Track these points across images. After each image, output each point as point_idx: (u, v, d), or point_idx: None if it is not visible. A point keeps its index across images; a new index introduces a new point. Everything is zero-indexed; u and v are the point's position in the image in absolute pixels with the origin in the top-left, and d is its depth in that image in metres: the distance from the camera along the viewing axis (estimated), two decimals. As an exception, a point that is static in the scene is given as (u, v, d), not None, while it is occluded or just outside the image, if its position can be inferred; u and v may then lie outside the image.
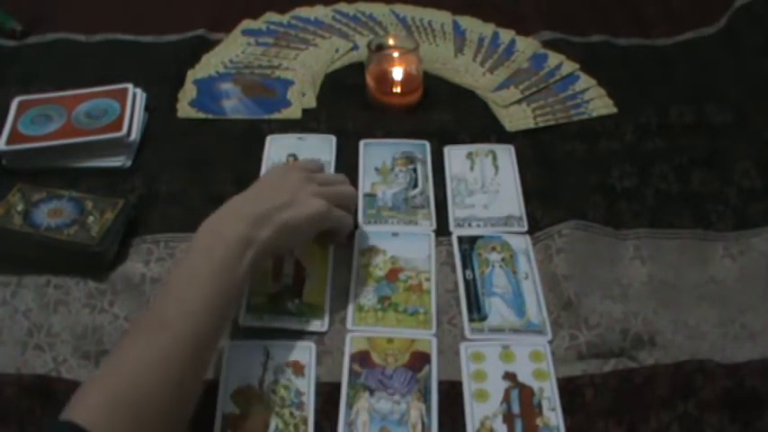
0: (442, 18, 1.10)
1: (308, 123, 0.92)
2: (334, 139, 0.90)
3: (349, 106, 0.95)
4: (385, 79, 0.95)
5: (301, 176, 0.71)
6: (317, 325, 0.70)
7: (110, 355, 0.59)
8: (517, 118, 0.93)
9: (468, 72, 1.01)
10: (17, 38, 1.07)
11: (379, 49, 0.96)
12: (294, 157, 0.87)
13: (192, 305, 0.59)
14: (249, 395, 0.65)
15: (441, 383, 0.66)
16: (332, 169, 0.86)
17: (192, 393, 0.59)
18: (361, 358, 0.68)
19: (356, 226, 0.79)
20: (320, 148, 0.89)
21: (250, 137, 0.90)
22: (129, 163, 0.87)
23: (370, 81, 0.95)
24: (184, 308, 0.59)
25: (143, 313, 0.64)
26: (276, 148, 0.89)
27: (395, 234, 0.79)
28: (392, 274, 0.75)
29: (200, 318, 0.59)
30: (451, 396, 0.66)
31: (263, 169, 0.86)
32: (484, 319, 0.71)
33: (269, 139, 0.90)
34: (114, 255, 0.75)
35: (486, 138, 0.90)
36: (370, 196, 0.83)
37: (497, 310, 0.72)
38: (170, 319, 0.58)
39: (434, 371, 0.67)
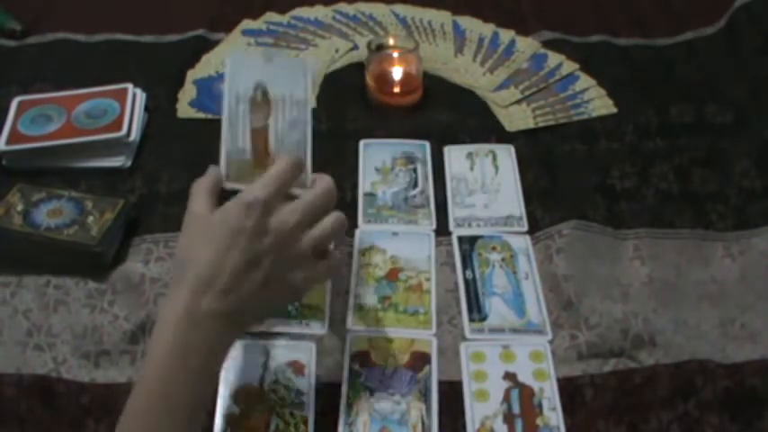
0: (441, 18, 1.10)
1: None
2: (308, 63, 0.68)
3: (349, 106, 0.95)
4: (385, 79, 0.95)
5: (281, 232, 0.57)
6: (317, 327, 0.70)
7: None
8: (517, 118, 0.93)
9: (468, 72, 1.01)
10: (17, 38, 1.07)
11: (379, 49, 0.96)
12: (263, 90, 0.65)
13: (173, 413, 0.54)
14: (249, 395, 0.65)
15: (441, 383, 0.66)
16: (308, 111, 0.65)
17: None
18: (361, 358, 0.68)
19: (356, 225, 0.79)
20: (293, 77, 0.65)
21: (250, 137, 0.90)
22: (129, 163, 0.87)
23: (370, 81, 0.95)
24: (166, 410, 0.54)
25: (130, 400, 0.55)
26: (240, 74, 0.65)
27: (395, 234, 0.79)
28: (392, 274, 0.75)
29: (185, 416, 0.54)
30: (451, 396, 0.66)
31: (226, 100, 0.65)
32: (484, 319, 0.71)
33: (230, 59, 0.66)
34: (114, 255, 0.75)
35: (486, 138, 0.90)
36: (370, 196, 0.83)
37: (497, 310, 0.72)
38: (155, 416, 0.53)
39: (434, 371, 0.67)
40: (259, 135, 0.65)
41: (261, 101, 0.65)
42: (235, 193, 0.60)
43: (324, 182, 0.61)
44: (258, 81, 0.64)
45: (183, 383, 0.54)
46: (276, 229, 0.57)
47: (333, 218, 0.60)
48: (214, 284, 0.55)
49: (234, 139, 0.65)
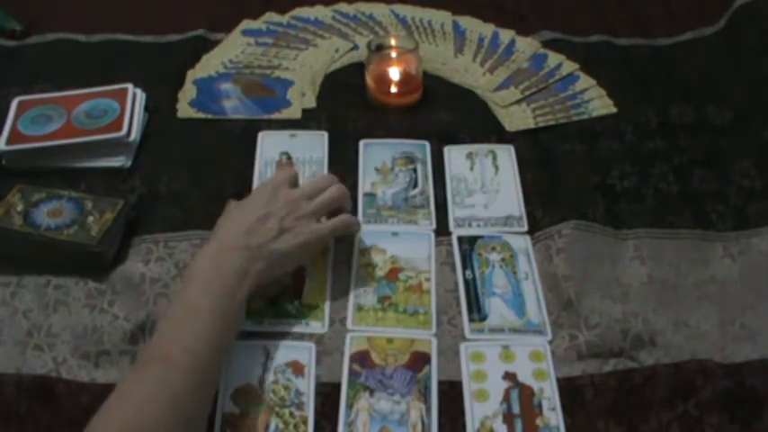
0: (441, 18, 1.10)
1: (307, 123, 0.92)
2: (326, 135, 0.90)
3: (349, 106, 0.95)
4: (385, 79, 0.95)
5: (288, 200, 0.71)
6: (317, 327, 0.70)
7: (117, 389, 0.59)
8: (517, 118, 0.93)
9: (468, 72, 1.01)
10: (17, 38, 1.07)
11: (379, 49, 0.96)
12: (287, 155, 0.88)
13: (193, 341, 0.61)
14: (249, 395, 0.65)
15: (441, 383, 0.66)
16: (325, 167, 0.86)
17: (197, 427, 0.60)
18: (361, 358, 0.68)
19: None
20: (313, 144, 0.89)
21: (250, 137, 0.90)
22: (129, 163, 0.87)
23: (369, 81, 0.95)
24: (185, 344, 0.61)
25: (147, 347, 0.66)
26: (269, 146, 0.89)
27: (395, 234, 0.79)
28: (392, 274, 0.75)
29: (201, 354, 0.61)
30: (451, 396, 0.66)
31: (257, 167, 0.86)
32: (484, 319, 0.71)
33: (261, 135, 0.90)
34: (114, 255, 0.75)
35: (486, 138, 0.90)
36: (370, 196, 0.83)
37: (497, 310, 0.72)
38: (172, 354, 0.60)
39: (434, 371, 0.67)
40: None
41: (285, 163, 0.87)
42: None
43: (325, 174, 0.78)
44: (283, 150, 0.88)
45: (209, 300, 0.63)
46: (283, 196, 0.72)
47: (333, 188, 0.75)
48: (239, 229, 0.68)
49: None
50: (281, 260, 0.69)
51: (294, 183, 0.75)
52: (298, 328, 0.70)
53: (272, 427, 0.63)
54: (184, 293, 0.65)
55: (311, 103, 0.96)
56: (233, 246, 0.67)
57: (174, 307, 0.65)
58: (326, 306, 0.72)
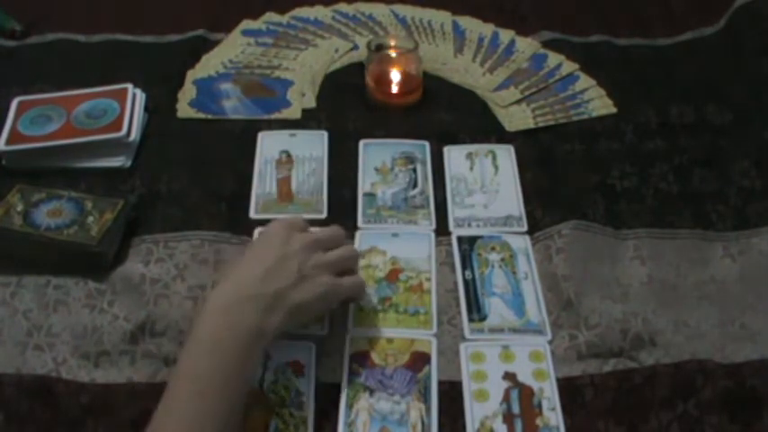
0: (441, 18, 1.10)
1: (307, 123, 0.92)
2: (326, 134, 0.90)
3: (349, 106, 0.95)
4: (385, 79, 0.95)
5: (304, 244, 0.65)
6: (316, 328, 0.70)
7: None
8: (517, 118, 0.93)
9: (468, 72, 1.01)
10: (17, 38, 1.07)
11: (379, 49, 0.96)
12: (287, 153, 0.87)
13: (203, 407, 0.56)
14: (249, 395, 0.65)
15: (441, 383, 0.66)
16: (324, 167, 0.86)
17: None
18: (361, 358, 0.68)
19: (356, 226, 0.80)
20: (312, 144, 0.89)
21: (250, 137, 0.90)
22: (128, 163, 0.87)
23: (369, 81, 0.95)
24: (197, 409, 0.56)
25: (162, 397, 0.57)
26: (268, 146, 0.89)
27: (395, 234, 0.79)
28: (392, 275, 0.75)
29: (215, 413, 0.56)
30: (451, 396, 0.66)
31: (257, 167, 0.86)
32: (484, 319, 0.71)
33: (261, 135, 0.90)
34: (114, 255, 0.75)
35: (486, 138, 0.90)
36: (370, 196, 0.83)
37: (497, 310, 0.72)
38: (185, 414, 0.56)
39: (434, 371, 0.67)
40: (283, 182, 0.85)
41: (285, 160, 0.86)
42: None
43: (335, 228, 0.72)
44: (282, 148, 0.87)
45: (222, 365, 0.58)
46: (299, 240, 0.66)
47: (349, 246, 0.71)
48: (253, 274, 0.62)
49: (262, 185, 0.84)
50: (299, 313, 0.63)
51: (304, 228, 0.69)
52: (298, 333, 0.70)
53: (273, 427, 0.63)
54: (193, 346, 0.58)
55: (311, 103, 0.96)
56: (249, 293, 0.61)
57: (179, 378, 0.58)
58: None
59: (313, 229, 0.70)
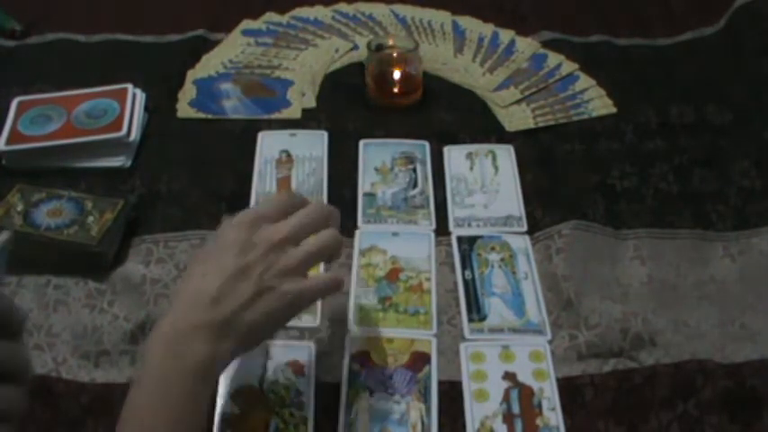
0: (441, 18, 1.10)
1: (307, 123, 0.92)
2: (326, 134, 0.90)
3: (349, 106, 0.95)
4: (385, 79, 0.95)
5: (269, 246, 0.57)
6: (309, 320, 0.70)
7: None
8: (517, 118, 0.93)
9: (468, 72, 1.01)
10: (17, 38, 1.07)
11: (379, 49, 0.96)
12: (287, 153, 0.88)
13: None
14: (249, 395, 0.65)
15: (441, 383, 0.66)
16: (324, 167, 0.86)
17: None
18: (361, 358, 0.68)
19: (356, 225, 0.79)
20: (312, 143, 0.89)
21: (250, 137, 0.90)
22: (128, 163, 0.87)
23: (369, 81, 0.95)
24: None
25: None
26: (269, 146, 0.89)
27: (395, 234, 0.79)
28: (392, 275, 0.75)
29: None
30: (451, 396, 0.66)
31: (257, 167, 0.85)
32: (483, 319, 0.71)
33: (261, 135, 0.90)
34: (114, 255, 0.75)
35: (486, 138, 0.90)
36: (370, 196, 0.83)
37: (497, 310, 0.72)
38: None
39: (434, 371, 0.67)
40: (283, 182, 0.84)
41: (285, 160, 0.86)
42: None
43: (318, 201, 0.61)
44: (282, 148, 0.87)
45: (167, 408, 0.52)
46: (264, 241, 0.57)
47: (326, 233, 0.60)
48: (203, 296, 0.55)
49: (262, 185, 0.84)
50: (254, 334, 0.57)
51: (282, 214, 0.59)
52: (291, 323, 0.68)
53: (272, 426, 0.63)
54: (136, 393, 0.53)
55: (311, 102, 0.96)
56: (194, 323, 0.53)
57: (125, 422, 0.52)
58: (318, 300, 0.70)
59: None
